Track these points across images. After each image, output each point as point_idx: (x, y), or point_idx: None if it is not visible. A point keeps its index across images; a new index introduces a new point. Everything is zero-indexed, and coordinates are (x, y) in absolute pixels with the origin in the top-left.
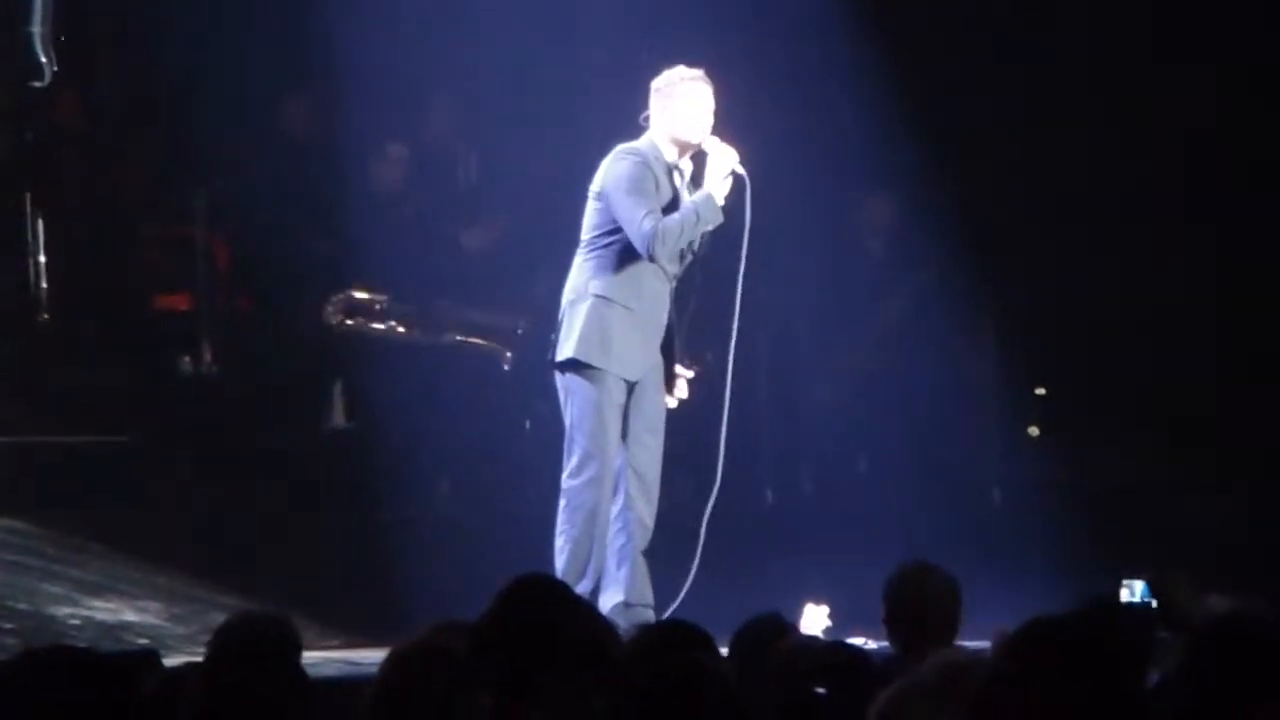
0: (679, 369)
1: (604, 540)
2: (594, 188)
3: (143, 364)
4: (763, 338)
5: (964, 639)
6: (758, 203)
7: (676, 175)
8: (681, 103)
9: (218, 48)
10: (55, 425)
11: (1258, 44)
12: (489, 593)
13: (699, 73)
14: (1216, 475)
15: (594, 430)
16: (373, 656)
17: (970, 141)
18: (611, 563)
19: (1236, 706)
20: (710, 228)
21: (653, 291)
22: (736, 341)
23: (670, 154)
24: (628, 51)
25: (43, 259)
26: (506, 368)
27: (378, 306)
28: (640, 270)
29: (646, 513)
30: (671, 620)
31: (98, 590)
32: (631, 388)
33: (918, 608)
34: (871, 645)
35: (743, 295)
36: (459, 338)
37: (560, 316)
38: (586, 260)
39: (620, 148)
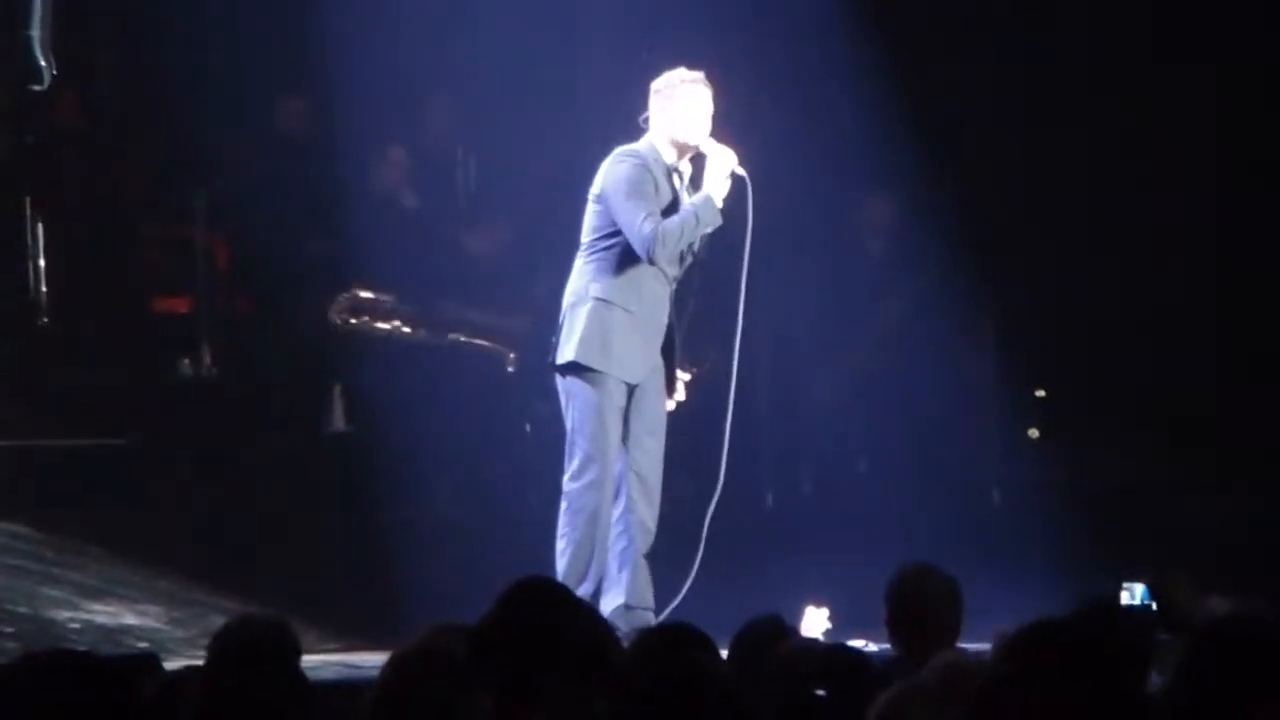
0: (678, 371)
1: (605, 543)
2: (593, 190)
3: (142, 366)
4: (763, 339)
5: (964, 640)
6: (758, 204)
7: (676, 177)
8: (681, 105)
9: (217, 49)
10: (55, 427)
11: (1258, 44)
12: (489, 595)
13: (699, 75)
14: (1216, 476)
15: (595, 433)
16: (372, 659)
17: (970, 142)
18: (613, 565)
19: (1236, 708)
20: (710, 230)
21: (653, 294)
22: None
23: (670, 156)
24: (627, 52)
25: (42, 261)
26: (511, 369)
27: (382, 306)
28: (640, 273)
29: (648, 515)
30: (672, 622)
31: (97, 593)
32: (632, 390)
33: (919, 609)
34: (872, 647)
35: (744, 296)
36: (464, 338)
37: (561, 319)
38: (587, 263)
39: (619, 150)
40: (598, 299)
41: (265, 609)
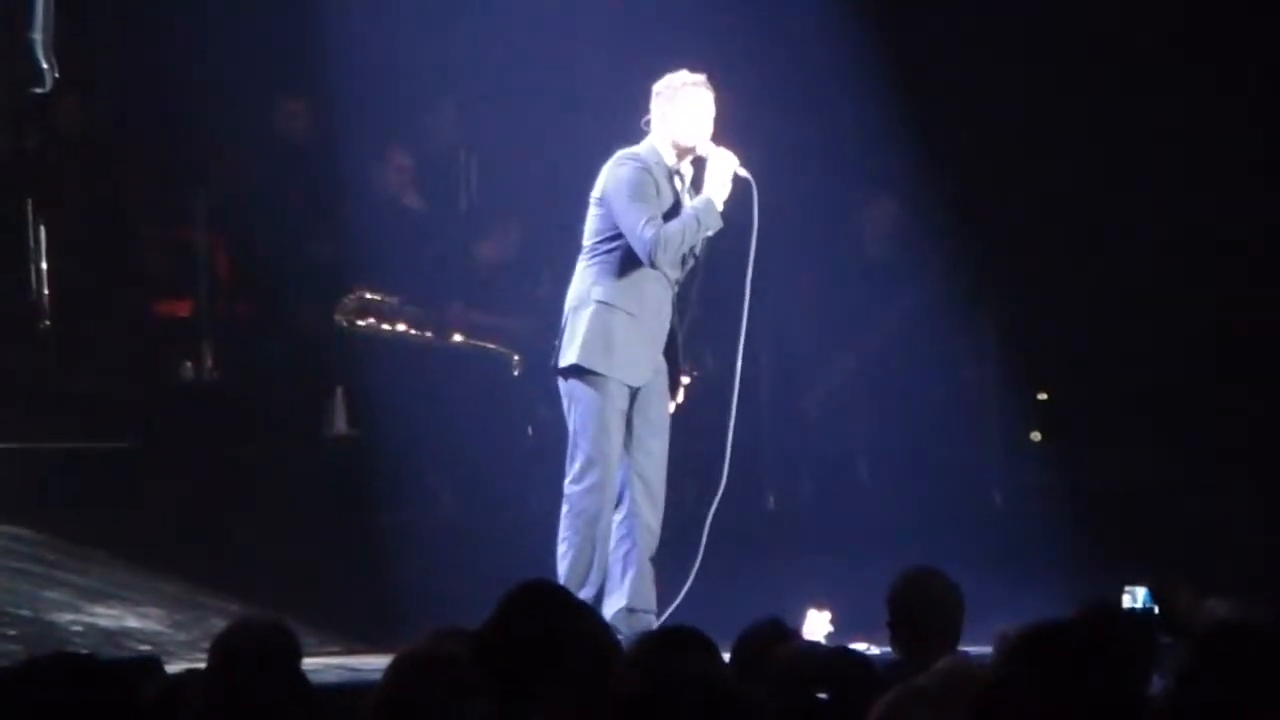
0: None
1: (606, 546)
2: (595, 194)
3: (144, 369)
4: (765, 341)
5: (966, 643)
6: (760, 206)
7: (677, 180)
8: (683, 107)
9: (218, 52)
10: (56, 430)
11: (1257, 44)
12: (491, 598)
13: (701, 78)
14: (1217, 478)
15: (597, 436)
16: (374, 663)
17: (971, 146)
18: (616, 568)
19: (1238, 711)
20: (711, 232)
21: (655, 297)
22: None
23: (671, 158)
24: (629, 54)
25: (44, 264)
26: (517, 372)
27: (388, 308)
28: (642, 276)
29: (652, 518)
30: (673, 625)
31: (99, 596)
32: (635, 393)
33: (921, 613)
34: (873, 651)
35: (749, 299)
36: (469, 340)
37: (563, 322)
38: (589, 266)
39: (620, 153)
40: (600, 302)
41: (266, 612)
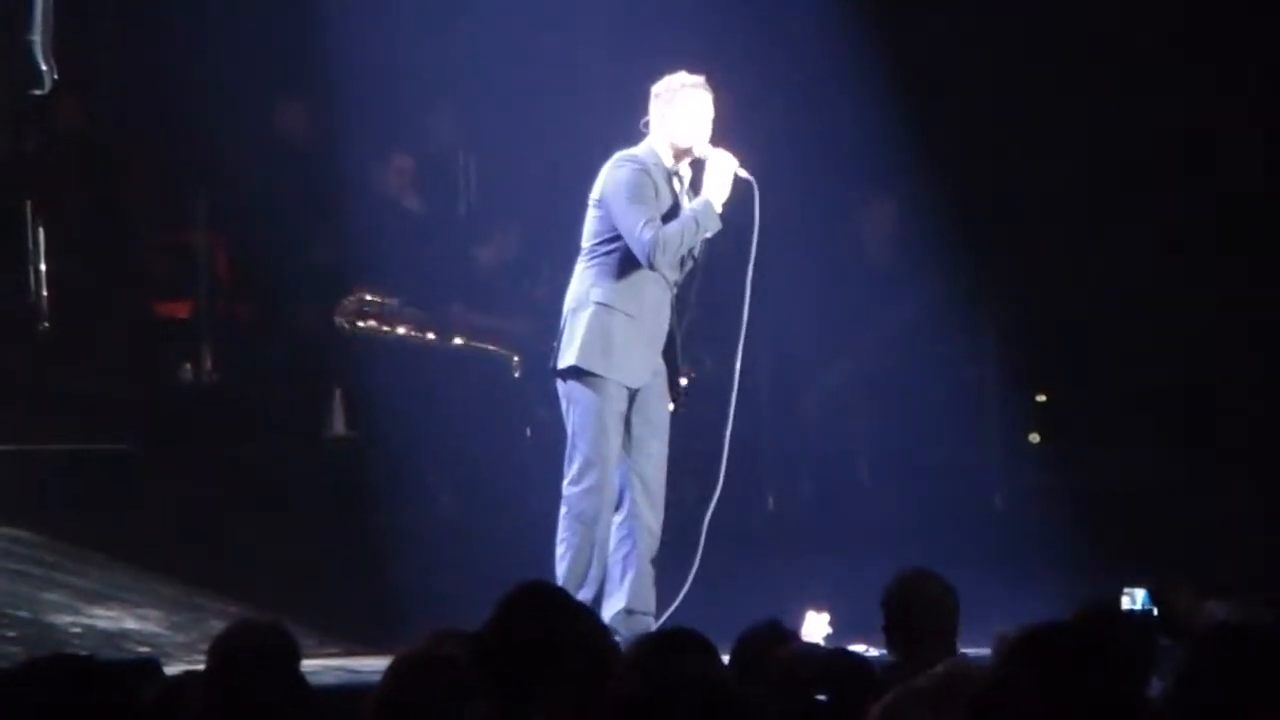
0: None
1: (605, 548)
2: (593, 195)
3: (143, 371)
4: (764, 342)
5: (965, 645)
6: (760, 208)
7: (676, 181)
8: (681, 109)
9: (218, 54)
10: (56, 432)
11: (1257, 44)
12: (490, 600)
13: (700, 79)
14: (1217, 480)
15: (595, 438)
16: (373, 664)
17: (972, 147)
18: (615, 570)
19: (1237, 713)
20: (710, 234)
21: (654, 298)
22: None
23: (669, 160)
24: (628, 55)
25: (43, 266)
26: (518, 374)
27: (389, 309)
28: (641, 277)
29: (653, 520)
30: (673, 627)
31: (98, 598)
32: (634, 395)
33: (915, 615)
34: (872, 653)
35: (749, 300)
36: (470, 342)
37: (561, 324)
38: (588, 268)
39: (619, 155)
40: (599, 304)
41: (265, 613)
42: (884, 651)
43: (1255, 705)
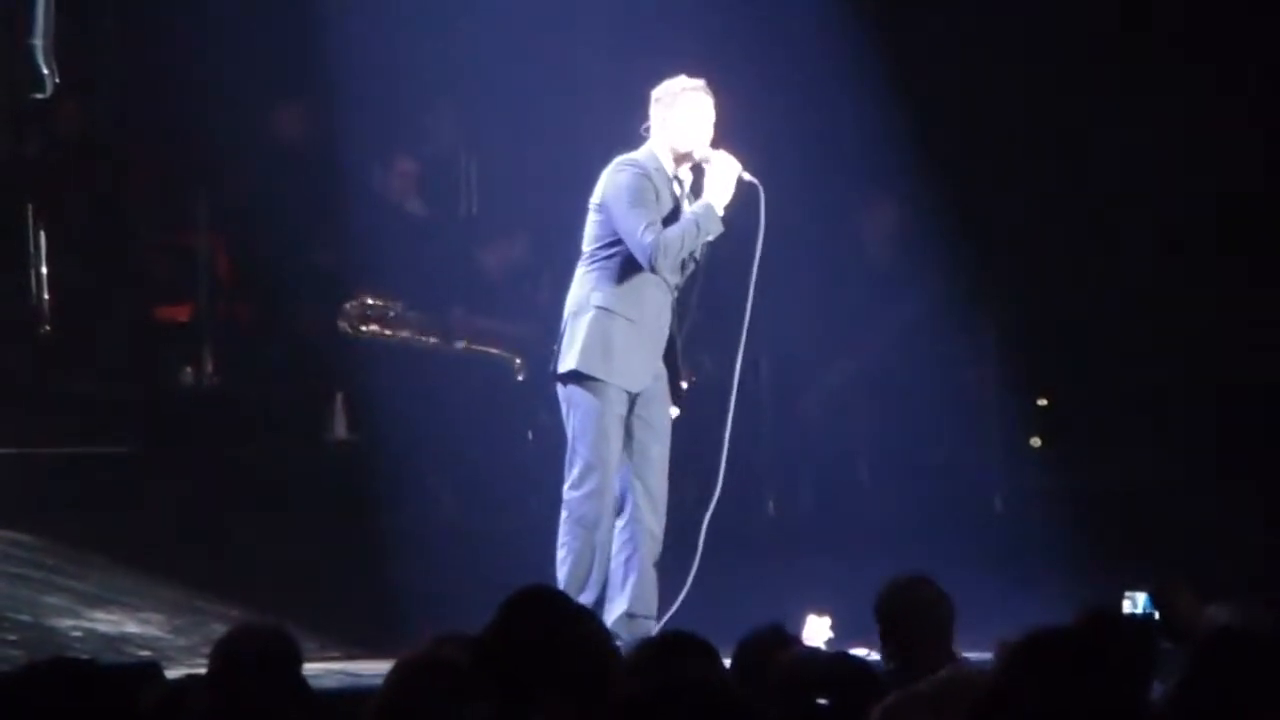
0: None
1: (606, 552)
2: (594, 199)
3: (144, 374)
4: (764, 344)
5: (966, 649)
6: (756, 209)
7: (676, 185)
8: (682, 113)
9: (219, 56)
10: (57, 435)
11: (1257, 44)
12: (491, 603)
13: (700, 83)
14: (1217, 483)
15: (596, 441)
16: (374, 668)
17: (972, 149)
18: (617, 574)
19: (1238, 717)
20: (711, 238)
21: (654, 302)
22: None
23: (670, 164)
24: (628, 56)
25: (44, 269)
26: (520, 377)
27: (392, 313)
28: (642, 281)
29: (654, 524)
30: (674, 631)
31: (99, 601)
32: (634, 399)
33: (910, 621)
34: (874, 657)
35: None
36: (473, 345)
37: (562, 328)
38: (588, 272)
39: (619, 159)
40: (599, 308)
41: (267, 617)
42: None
43: (1256, 709)
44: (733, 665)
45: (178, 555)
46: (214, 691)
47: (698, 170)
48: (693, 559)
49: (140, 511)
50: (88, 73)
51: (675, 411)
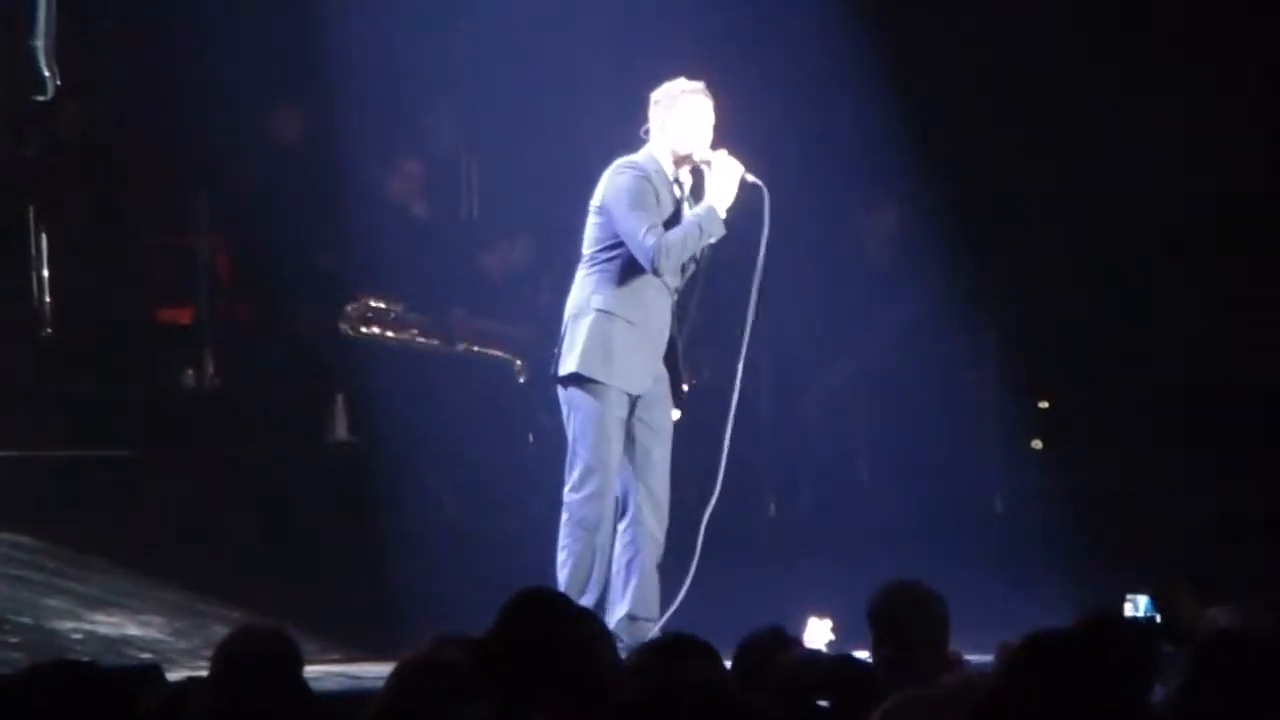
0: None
1: (607, 554)
2: (594, 202)
3: (145, 376)
4: (764, 346)
5: (966, 652)
6: (759, 213)
7: (676, 188)
8: (681, 115)
9: (220, 58)
10: (58, 437)
11: (1257, 44)
12: (492, 605)
13: (699, 85)
14: (1218, 484)
15: (596, 444)
16: (375, 670)
17: (972, 151)
18: (619, 577)
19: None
20: (713, 240)
21: (655, 305)
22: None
23: (670, 167)
24: (629, 57)
25: (45, 271)
26: (522, 379)
27: (393, 314)
28: (642, 284)
29: (656, 526)
30: (675, 633)
31: (100, 604)
32: (635, 401)
33: (904, 626)
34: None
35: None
36: (474, 347)
37: (562, 331)
38: (588, 275)
39: (619, 161)
40: (600, 310)
41: (268, 619)
42: None
43: (1257, 711)
44: (733, 667)
45: (179, 557)
46: (215, 694)
47: (698, 173)
48: (692, 560)
49: (141, 513)
50: (88, 74)
51: (676, 414)
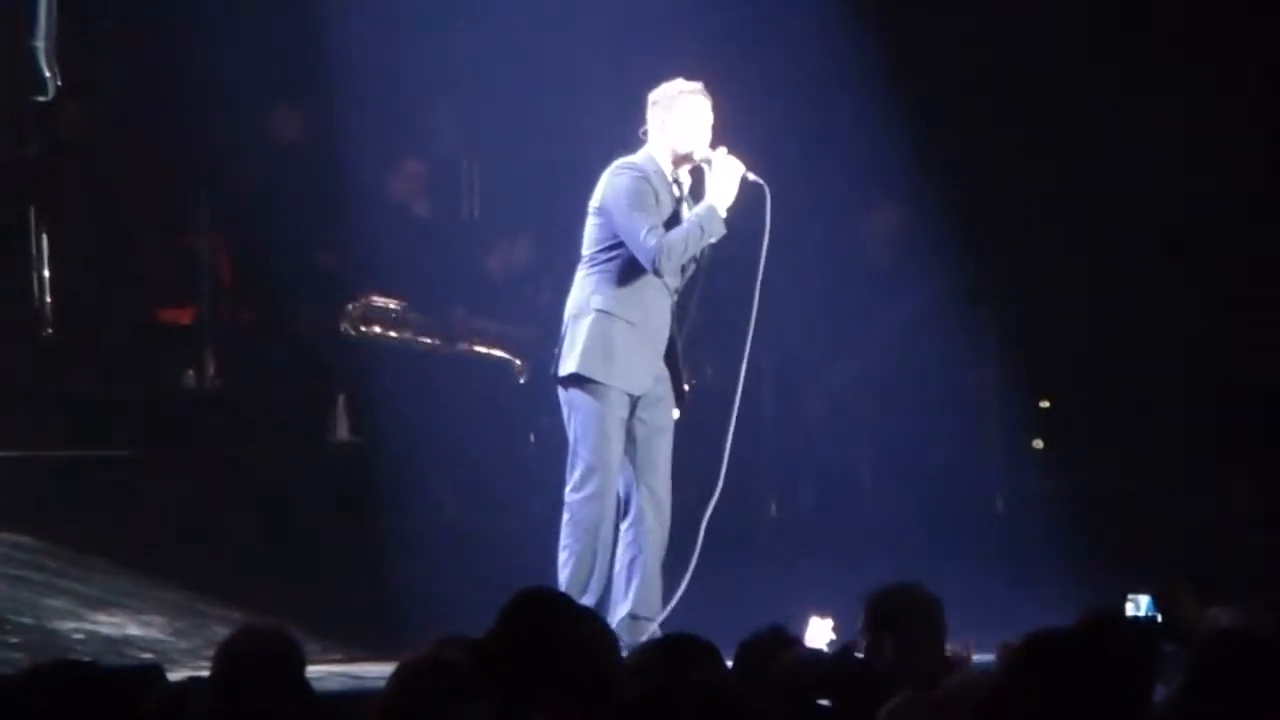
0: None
1: (608, 554)
2: (593, 203)
3: (146, 376)
4: (766, 346)
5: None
6: (760, 211)
7: (675, 188)
8: (680, 115)
9: (220, 58)
10: (59, 437)
11: (1257, 44)
12: (493, 605)
13: (697, 85)
14: (1218, 483)
15: (597, 444)
16: (376, 670)
17: (974, 152)
18: (621, 577)
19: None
20: (714, 239)
21: (655, 305)
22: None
23: (669, 167)
24: (629, 58)
25: (46, 271)
26: (523, 379)
27: (394, 314)
28: (643, 284)
29: (659, 526)
30: (677, 633)
31: (101, 604)
32: (636, 401)
33: (901, 629)
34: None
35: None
36: (475, 347)
37: (562, 331)
38: (588, 275)
39: (618, 162)
40: (600, 311)
41: (269, 620)
42: None
43: (1258, 711)
44: (734, 667)
45: (180, 557)
46: (217, 694)
47: (697, 173)
48: (692, 558)
49: (142, 514)
50: (88, 74)
51: (676, 413)
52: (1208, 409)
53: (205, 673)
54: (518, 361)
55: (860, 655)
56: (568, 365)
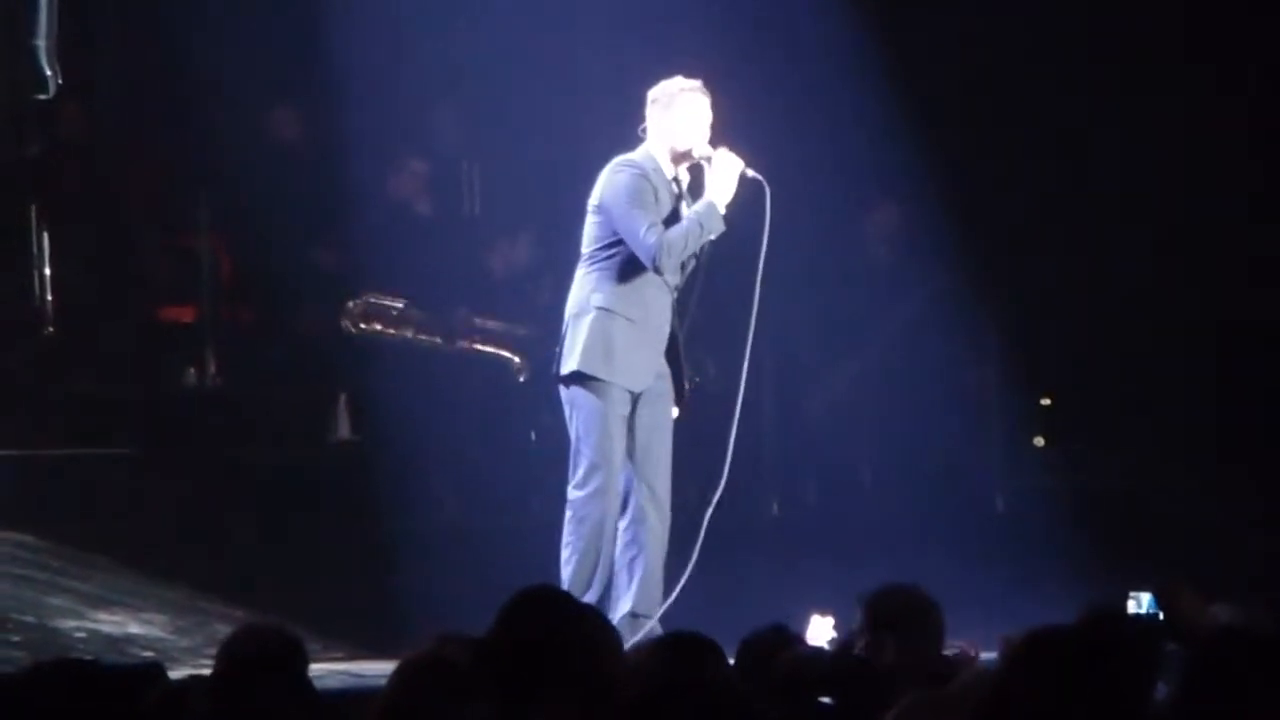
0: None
1: (610, 551)
2: (592, 201)
3: (147, 375)
4: (767, 346)
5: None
6: (761, 211)
7: (674, 186)
8: (679, 113)
9: (221, 58)
10: (60, 436)
11: (1257, 44)
12: (495, 603)
13: (697, 83)
14: (1219, 482)
15: (599, 442)
16: (377, 669)
17: (974, 151)
18: (622, 575)
19: (1241, 718)
20: (714, 236)
21: (655, 302)
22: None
23: (668, 165)
24: (629, 57)
25: (48, 270)
26: (523, 378)
27: (395, 311)
28: (643, 282)
29: (659, 523)
30: (679, 631)
31: (103, 603)
32: (637, 399)
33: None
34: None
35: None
36: (476, 345)
37: (563, 330)
38: (588, 273)
39: (617, 160)
40: (600, 309)
41: (270, 618)
42: None
43: (1259, 710)
44: (736, 664)
45: (181, 556)
46: (218, 692)
47: (696, 170)
48: (692, 555)
49: (143, 513)
50: (88, 74)
51: (675, 412)
52: (1208, 409)
53: (206, 671)
54: (518, 360)
55: (858, 654)
56: (569, 363)
